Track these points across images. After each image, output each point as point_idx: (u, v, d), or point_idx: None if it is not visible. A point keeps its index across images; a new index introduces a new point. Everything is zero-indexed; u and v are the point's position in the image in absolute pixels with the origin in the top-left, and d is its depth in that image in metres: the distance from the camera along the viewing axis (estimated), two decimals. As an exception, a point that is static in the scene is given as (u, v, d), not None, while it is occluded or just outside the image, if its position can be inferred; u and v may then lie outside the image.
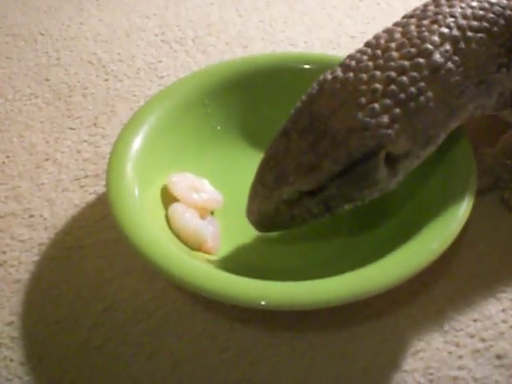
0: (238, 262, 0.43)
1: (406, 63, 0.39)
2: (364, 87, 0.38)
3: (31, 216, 0.48)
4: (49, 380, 0.39)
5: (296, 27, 0.66)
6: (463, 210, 0.40)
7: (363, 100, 0.38)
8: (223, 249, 0.44)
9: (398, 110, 0.38)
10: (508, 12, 0.42)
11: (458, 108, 0.40)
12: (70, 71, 0.61)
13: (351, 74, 0.39)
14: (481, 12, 0.41)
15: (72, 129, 0.55)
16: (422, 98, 0.38)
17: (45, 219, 0.48)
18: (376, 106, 0.38)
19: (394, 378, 0.39)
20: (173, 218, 0.44)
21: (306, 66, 0.51)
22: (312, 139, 0.38)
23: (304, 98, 0.40)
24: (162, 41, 0.64)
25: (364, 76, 0.39)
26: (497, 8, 0.41)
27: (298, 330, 0.41)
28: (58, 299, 0.43)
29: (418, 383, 0.38)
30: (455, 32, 0.40)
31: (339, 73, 0.40)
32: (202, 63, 0.61)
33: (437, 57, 0.39)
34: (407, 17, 0.42)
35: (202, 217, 0.44)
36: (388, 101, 0.38)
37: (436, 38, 0.39)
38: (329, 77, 0.40)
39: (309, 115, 0.39)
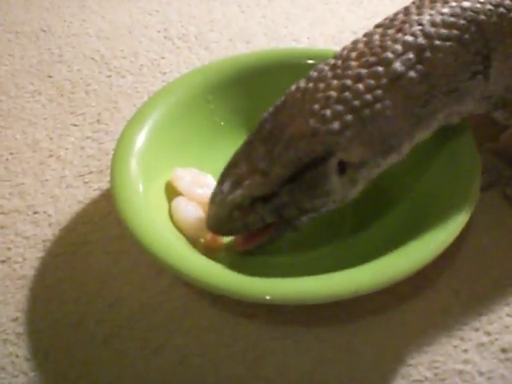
0: (241, 258, 0.43)
1: (363, 71, 0.38)
2: (320, 95, 0.38)
3: (35, 212, 0.48)
4: (54, 376, 0.39)
5: (299, 23, 0.66)
6: (468, 204, 0.40)
7: (316, 107, 0.38)
8: (226, 245, 0.44)
9: (350, 117, 0.37)
10: (481, 17, 0.40)
11: (425, 117, 0.40)
12: (73, 68, 0.61)
13: (311, 84, 0.39)
14: (451, 19, 0.40)
15: (75, 125, 0.55)
16: (378, 106, 0.38)
17: (49, 215, 0.48)
18: (327, 112, 0.38)
19: (399, 372, 0.39)
20: (175, 210, 0.44)
21: (309, 62, 0.51)
22: (270, 146, 0.39)
23: (270, 109, 0.41)
24: (165, 37, 0.64)
25: (321, 85, 0.39)
26: (469, 13, 0.40)
27: (304, 324, 0.41)
28: (63, 295, 0.43)
29: (423, 377, 0.38)
30: (421, 40, 0.39)
31: (301, 84, 0.40)
32: (204, 59, 0.61)
33: (397, 65, 0.38)
34: (375, 26, 0.42)
35: (205, 212, 0.44)
36: (340, 107, 0.37)
37: (398, 47, 0.39)
38: (292, 88, 0.40)
39: (271, 124, 0.40)
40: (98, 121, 0.55)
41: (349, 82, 0.38)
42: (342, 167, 0.38)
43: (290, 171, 0.38)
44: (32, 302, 0.42)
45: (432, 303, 0.42)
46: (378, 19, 0.66)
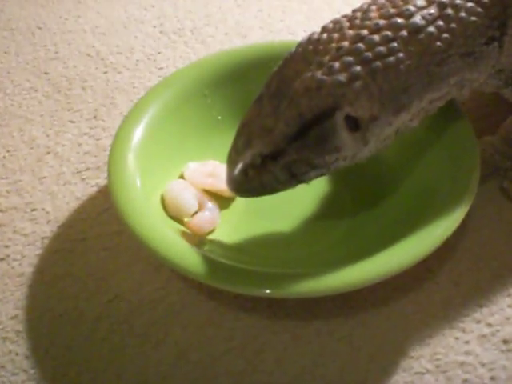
0: (242, 252, 0.43)
1: (382, 22, 0.37)
2: (332, 45, 0.37)
3: (33, 210, 0.48)
4: (54, 373, 0.39)
5: (295, 16, 0.66)
6: (468, 193, 0.40)
7: (326, 58, 0.37)
8: (228, 239, 0.44)
9: (359, 68, 0.36)
10: None
11: (438, 77, 0.38)
12: (69, 64, 0.60)
13: (325, 35, 0.38)
14: None
15: (72, 122, 0.55)
16: (392, 59, 0.36)
17: (47, 212, 0.47)
18: (336, 63, 0.36)
19: (400, 365, 0.38)
20: (169, 187, 0.44)
21: None
22: (276, 102, 0.38)
23: (280, 62, 0.40)
24: (161, 32, 0.64)
25: (336, 36, 0.38)
26: None
27: (304, 318, 0.41)
28: (61, 292, 0.42)
29: (424, 369, 0.38)
30: None
31: (315, 35, 0.39)
32: (200, 54, 0.61)
33: (417, 18, 0.37)
34: None
35: (203, 201, 0.45)
36: (350, 58, 0.36)
37: (421, 1, 0.38)
38: (304, 39, 0.39)
39: (278, 79, 0.38)
40: (95, 117, 0.55)
41: (365, 32, 0.37)
42: (354, 123, 0.37)
43: (293, 128, 0.37)
44: (31, 300, 0.42)
45: (433, 295, 0.42)
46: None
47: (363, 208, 0.45)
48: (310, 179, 0.39)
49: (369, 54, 0.36)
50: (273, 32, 0.64)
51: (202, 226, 0.44)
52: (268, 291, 0.36)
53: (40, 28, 0.65)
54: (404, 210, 0.43)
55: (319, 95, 0.36)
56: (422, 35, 0.37)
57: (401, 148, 0.45)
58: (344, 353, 0.39)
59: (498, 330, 0.40)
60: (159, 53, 0.61)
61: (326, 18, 0.65)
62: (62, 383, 0.38)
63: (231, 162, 0.40)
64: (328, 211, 0.42)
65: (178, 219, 0.44)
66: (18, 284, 0.43)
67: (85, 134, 0.53)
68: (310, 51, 0.38)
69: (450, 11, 0.38)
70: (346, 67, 0.36)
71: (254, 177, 0.39)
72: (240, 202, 0.46)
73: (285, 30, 0.64)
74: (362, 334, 0.40)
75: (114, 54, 0.61)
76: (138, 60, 0.61)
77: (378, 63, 0.36)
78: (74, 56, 0.61)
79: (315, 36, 0.39)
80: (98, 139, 0.53)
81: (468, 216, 0.41)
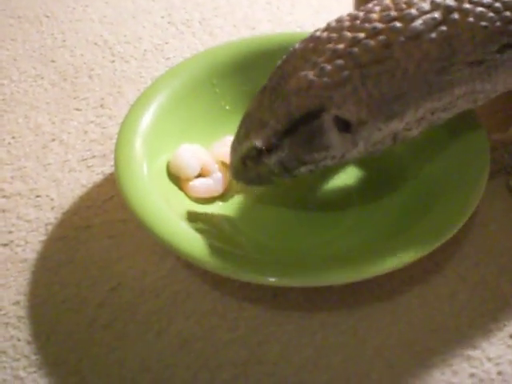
0: (250, 242, 0.43)
1: (380, 25, 0.36)
2: (329, 46, 0.37)
3: (38, 196, 0.47)
4: (56, 359, 0.39)
5: (303, 9, 0.65)
6: (478, 186, 0.40)
7: (321, 59, 0.37)
8: (234, 229, 0.43)
9: (350, 73, 0.36)
10: None
11: (438, 87, 0.37)
12: (76, 53, 0.60)
13: (325, 34, 0.38)
14: None
15: (78, 110, 0.54)
16: (386, 65, 0.36)
17: (51, 199, 0.47)
18: (328, 66, 0.36)
19: (405, 358, 0.38)
20: (179, 148, 0.45)
21: None
22: (273, 97, 0.38)
23: (284, 55, 0.40)
24: (169, 22, 0.63)
25: (335, 36, 0.37)
26: None
27: (308, 309, 0.40)
28: (65, 279, 0.42)
29: (430, 363, 0.38)
30: (450, 1, 0.36)
31: (317, 32, 0.39)
32: (208, 45, 0.60)
33: (418, 23, 0.36)
34: None
35: (212, 170, 0.45)
36: (342, 62, 0.36)
37: (425, 5, 0.36)
38: (308, 35, 0.39)
39: (279, 73, 0.39)
40: (102, 105, 0.55)
41: (362, 35, 0.36)
42: (344, 124, 0.37)
43: (283, 125, 0.37)
44: (34, 286, 0.42)
45: (439, 289, 0.41)
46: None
47: (371, 198, 0.45)
48: (303, 174, 0.40)
49: (362, 59, 0.36)
50: (281, 25, 0.63)
51: (198, 189, 0.44)
52: (274, 279, 0.36)
53: (47, 16, 0.65)
54: (413, 202, 0.42)
55: (308, 96, 0.36)
56: (421, 41, 0.36)
57: (410, 142, 0.44)
58: (348, 345, 0.39)
59: (504, 325, 0.39)
60: (167, 43, 0.61)
61: (334, 11, 0.65)
62: (63, 369, 0.38)
63: (233, 150, 0.40)
64: (336, 201, 0.42)
65: (178, 181, 0.44)
66: (21, 270, 0.43)
67: (91, 122, 0.53)
68: (310, 49, 0.38)
69: (456, 16, 0.36)
70: (337, 70, 0.36)
71: (252, 167, 0.40)
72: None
73: (293, 23, 0.63)
74: (367, 327, 0.39)
75: (121, 43, 0.61)
76: (145, 50, 0.60)
77: (370, 69, 0.36)
78: (82, 45, 0.61)
79: (317, 34, 0.39)
80: (104, 127, 0.52)
81: (476, 211, 0.41)
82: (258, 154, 0.39)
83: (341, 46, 0.37)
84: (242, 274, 0.37)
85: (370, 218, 0.43)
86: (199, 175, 0.45)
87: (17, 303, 0.41)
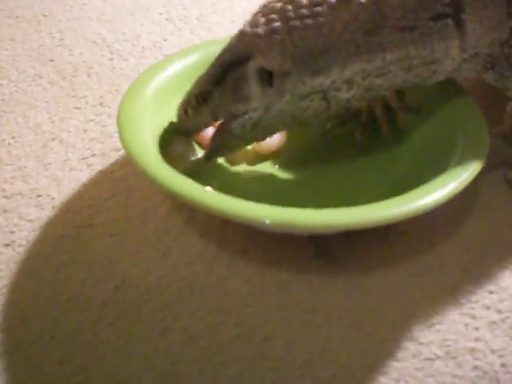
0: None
1: None
2: (271, 6, 0.40)
3: (39, 196, 0.47)
4: (60, 359, 0.38)
5: (302, 4, 0.65)
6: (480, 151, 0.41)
7: (259, 15, 0.40)
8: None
9: (278, 24, 0.39)
10: None
11: (367, 48, 0.39)
12: (75, 51, 0.60)
13: None
14: None
15: (78, 108, 0.54)
16: (312, 21, 0.38)
17: (52, 199, 0.47)
18: (262, 19, 0.39)
19: (410, 351, 0.38)
20: None
21: None
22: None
23: None
24: (167, 19, 0.63)
25: None
26: None
27: (312, 304, 0.40)
28: (68, 278, 0.42)
29: (434, 355, 0.38)
30: None
31: None
32: (207, 41, 0.60)
33: None
34: None
35: None
36: (274, 16, 0.39)
37: None
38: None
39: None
40: (101, 104, 0.55)
41: None
42: (268, 78, 0.39)
43: (216, 70, 0.41)
44: (37, 286, 0.42)
45: (442, 281, 0.41)
46: None
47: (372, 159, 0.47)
48: (239, 134, 0.42)
49: (291, 14, 0.39)
50: (279, 19, 0.63)
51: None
52: (267, 221, 0.37)
53: (45, 15, 0.65)
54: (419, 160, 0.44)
55: (239, 42, 0.40)
56: (350, 4, 0.38)
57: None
58: (353, 339, 0.39)
59: (507, 317, 0.40)
60: (165, 40, 0.61)
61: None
62: (67, 369, 0.38)
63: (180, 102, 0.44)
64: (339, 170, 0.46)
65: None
66: (24, 270, 0.43)
67: (90, 120, 0.53)
68: (258, 10, 0.41)
69: None
70: (268, 22, 0.39)
71: (191, 116, 0.43)
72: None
73: (291, 18, 0.63)
74: (372, 321, 0.39)
75: (119, 41, 0.61)
76: (143, 47, 0.60)
77: (297, 22, 0.38)
78: (80, 43, 0.61)
79: None
80: (103, 126, 0.52)
81: (477, 203, 0.41)
82: (196, 103, 0.42)
83: (279, 4, 0.39)
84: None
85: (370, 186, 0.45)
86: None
87: (20, 303, 0.41)
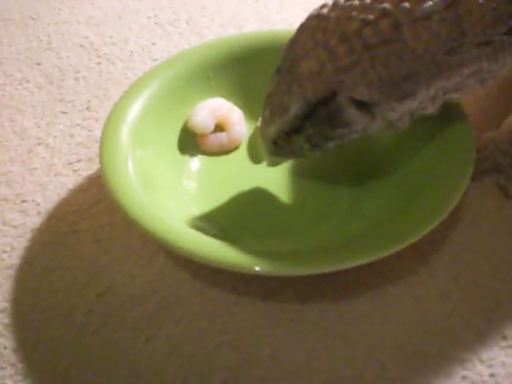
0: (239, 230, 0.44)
1: (389, 6, 0.36)
2: (339, 27, 0.37)
3: (23, 201, 0.47)
4: (43, 367, 0.38)
5: (291, 8, 0.65)
6: (464, 176, 0.40)
7: (331, 42, 0.37)
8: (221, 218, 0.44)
9: (360, 55, 0.36)
10: None
11: (448, 67, 0.37)
12: (62, 55, 0.59)
13: (333, 14, 0.37)
14: None
15: (64, 113, 0.54)
16: (395, 46, 0.36)
17: (37, 204, 0.46)
18: (338, 48, 0.36)
19: (397, 360, 0.38)
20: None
21: None
22: (289, 79, 0.38)
23: (295, 33, 0.40)
24: (156, 23, 0.63)
25: (344, 16, 0.37)
26: None
27: (299, 312, 0.40)
28: (52, 285, 0.42)
29: (422, 365, 0.37)
30: None
31: (325, 10, 0.38)
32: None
33: (428, 4, 0.36)
34: None
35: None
36: (351, 44, 0.36)
37: None
38: (314, 13, 0.39)
39: (291, 54, 0.39)
40: (88, 108, 0.54)
41: (371, 16, 0.36)
42: (361, 102, 0.37)
43: (303, 109, 0.38)
44: (20, 293, 0.41)
45: (430, 289, 0.41)
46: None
47: (361, 190, 0.45)
48: (333, 147, 0.40)
49: (371, 41, 0.36)
50: (269, 24, 0.63)
51: (212, 144, 0.48)
52: (257, 268, 0.36)
53: (33, 18, 0.64)
54: (401, 190, 0.43)
55: (320, 81, 0.37)
56: (430, 22, 0.36)
57: (397, 135, 0.46)
58: (340, 348, 0.38)
59: (497, 326, 0.39)
60: (154, 44, 0.60)
61: (323, 10, 0.64)
62: (50, 378, 0.37)
63: (262, 133, 0.42)
64: (327, 194, 0.44)
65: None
66: (7, 276, 0.42)
67: (77, 125, 0.52)
68: (320, 30, 0.38)
69: None
70: (347, 53, 0.36)
71: (284, 146, 0.41)
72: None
73: (281, 22, 0.63)
74: (358, 329, 0.39)
75: (107, 44, 0.60)
76: (132, 51, 0.60)
77: (379, 50, 0.36)
78: (68, 47, 0.60)
79: (325, 12, 0.38)
80: (90, 130, 0.52)
81: (467, 210, 0.40)
82: (286, 135, 0.40)
83: (351, 27, 0.36)
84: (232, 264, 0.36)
85: (359, 209, 0.44)
86: (216, 129, 0.48)
87: (3, 310, 0.40)
